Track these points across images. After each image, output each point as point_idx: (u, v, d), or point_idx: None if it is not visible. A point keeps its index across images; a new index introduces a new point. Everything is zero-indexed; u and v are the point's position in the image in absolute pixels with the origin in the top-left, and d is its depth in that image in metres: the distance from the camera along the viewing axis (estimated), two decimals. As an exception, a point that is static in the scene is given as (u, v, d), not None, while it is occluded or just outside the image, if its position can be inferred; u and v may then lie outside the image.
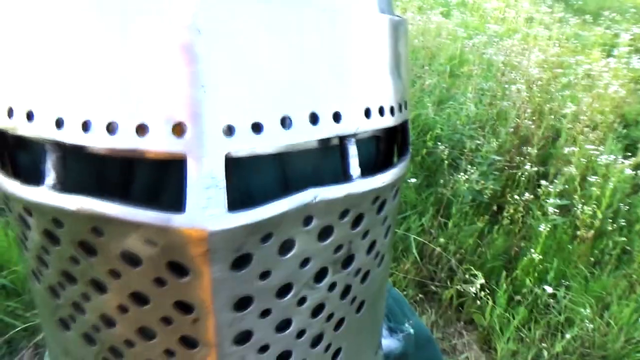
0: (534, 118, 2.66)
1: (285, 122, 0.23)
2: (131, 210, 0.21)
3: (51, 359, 0.34)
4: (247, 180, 0.25)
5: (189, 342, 0.26)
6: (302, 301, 0.27)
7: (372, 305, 0.34)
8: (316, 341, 0.30)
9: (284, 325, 0.28)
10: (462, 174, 2.10)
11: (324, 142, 0.26)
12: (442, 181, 2.23)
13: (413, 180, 2.25)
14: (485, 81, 2.91)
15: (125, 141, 0.21)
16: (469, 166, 2.17)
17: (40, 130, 0.22)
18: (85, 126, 0.21)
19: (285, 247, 0.25)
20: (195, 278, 0.23)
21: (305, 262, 0.26)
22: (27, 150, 0.27)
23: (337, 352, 0.32)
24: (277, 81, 0.23)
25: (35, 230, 0.25)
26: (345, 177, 0.26)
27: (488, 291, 1.96)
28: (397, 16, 0.29)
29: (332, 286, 0.29)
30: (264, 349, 0.27)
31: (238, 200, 0.25)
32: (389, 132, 0.32)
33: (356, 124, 0.26)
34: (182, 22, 0.21)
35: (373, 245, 0.30)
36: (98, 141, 0.21)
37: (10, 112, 0.23)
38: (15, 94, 0.23)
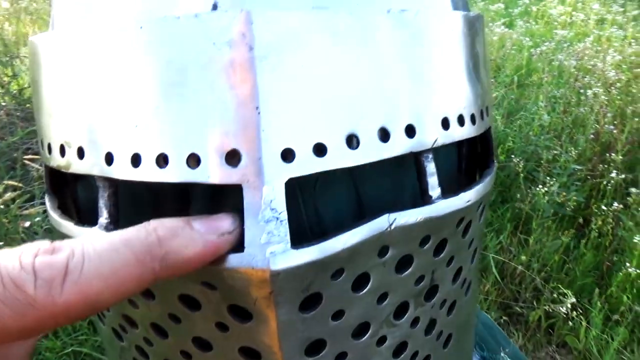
0: (615, 122, 2.47)
1: (351, 141, 0.20)
2: None
3: None
4: (317, 205, 0.23)
5: None
6: (381, 341, 0.24)
7: (460, 337, 0.30)
8: None
9: None
10: (540, 186, 1.97)
11: (399, 160, 0.23)
12: (518, 195, 2.11)
13: (487, 196, 2.15)
14: (557, 88, 2.76)
15: (176, 174, 0.19)
16: (547, 178, 2.04)
17: (91, 166, 0.21)
18: (135, 160, 0.20)
19: (360, 282, 0.22)
20: (260, 322, 0.20)
21: (383, 297, 0.23)
22: (85, 188, 0.26)
23: None
24: (339, 96, 0.20)
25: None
26: (423, 198, 0.23)
27: (580, 311, 1.81)
28: (473, 12, 0.26)
29: (414, 322, 0.25)
30: None
31: (307, 229, 0.22)
32: (471, 143, 0.28)
33: (433, 137, 0.23)
34: (229, 38, 0.19)
35: (459, 272, 0.27)
36: (148, 175, 0.20)
37: (62, 150, 0.22)
38: (68, 131, 0.22)
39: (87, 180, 0.25)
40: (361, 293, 0.22)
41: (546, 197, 1.98)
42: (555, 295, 1.86)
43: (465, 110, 0.24)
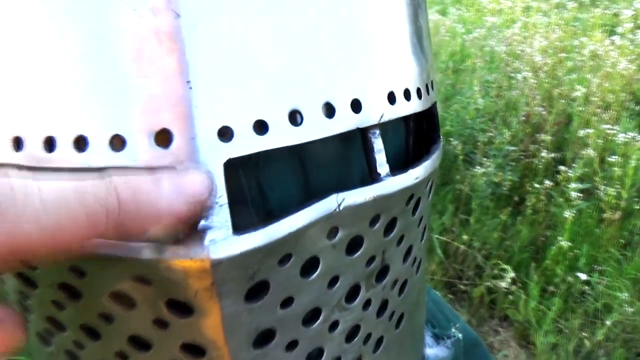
0: (544, 104, 2.59)
1: (295, 117, 0.19)
2: (112, 242, 0.17)
3: None
4: (262, 186, 0.21)
5: None
6: (334, 326, 0.23)
7: (411, 316, 0.29)
8: None
9: (315, 356, 0.23)
10: (477, 167, 2.04)
11: (346, 136, 0.22)
12: (458, 177, 2.18)
13: (428, 179, 2.20)
14: (489, 73, 2.86)
15: (97, 158, 0.17)
16: (484, 159, 2.11)
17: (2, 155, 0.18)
18: (50, 143, 0.17)
19: (309, 266, 0.21)
20: (203, 316, 0.19)
21: (333, 281, 0.22)
22: None
23: None
24: (280, 68, 0.19)
25: (9, 273, 0.21)
26: (372, 176, 0.22)
27: (520, 285, 1.89)
28: None
29: (366, 304, 0.24)
30: None
31: (252, 213, 0.21)
32: (418, 119, 0.27)
33: (379, 112, 0.21)
34: (152, 4, 0.17)
35: (409, 251, 0.26)
36: (65, 160, 0.17)
37: None
38: None
39: None
40: (311, 278, 0.21)
41: (484, 178, 2.06)
42: (495, 271, 1.94)
43: (412, 84, 0.23)
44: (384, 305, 0.26)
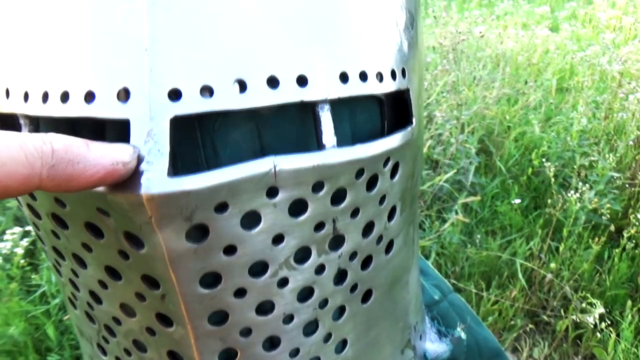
0: (659, 129, 2.36)
1: (240, 86, 0.22)
2: None
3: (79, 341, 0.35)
4: (215, 144, 0.24)
5: (166, 320, 0.25)
6: (283, 282, 0.26)
7: (385, 296, 0.31)
8: (311, 329, 0.28)
9: (267, 309, 0.26)
10: (572, 192, 1.91)
11: (299, 108, 0.25)
12: (550, 201, 2.05)
13: (518, 201, 2.10)
14: (598, 93, 2.67)
15: (76, 109, 0.22)
16: (580, 184, 1.97)
17: (14, 105, 0.23)
18: (45, 97, 0.22)
19: (251, 220, 0.23)
20: (151, 249, 0.22)
21: (278, 239, 0.24)
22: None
23: (343, 344, 0.30)
24: (228, 42, 0.22)
25: (24, 206, 0.26)
26: (318, 147, 0.25)
27: (610, 323, 1.74)
28: None
29: (320, 269, 0.27)
30: (246, 332, 0.26)
31: (203, 165, 0.24)
32: (395, 103, 0.29)
33: (327, 90, 0.24)
34: None
35: (370, 227, 0.28)
36: (55, 110, 0.22)
37: None
38: None
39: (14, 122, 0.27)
40: (252, 231, 0.24)
41: (578, 204, 1.92)
42: (584, 305, 1.80)
43: (371, 68, 0.25)
44: (342, 275, 0.28)
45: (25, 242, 1.59)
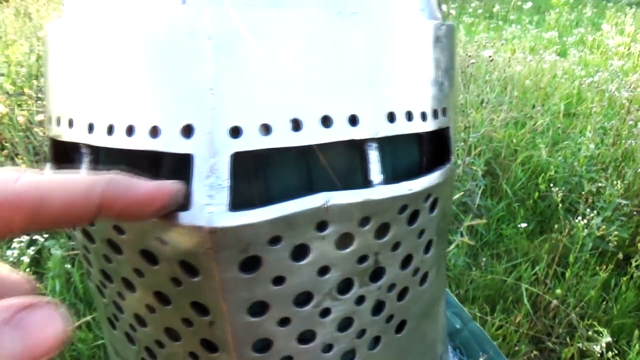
0: (668, 157, 2.37)
1: (295, 125, 0.23)
2: None
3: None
4: (267, 179, 0.25)
5: (210, 346, 0.26)
6: (325, 312, 0.26)
7: (417, 326, 0.32)
8: (347, 358, 0.28)
9: (308, 338, 0.27)
10: (579, 218, 1.91)
11: (349, 145, 0.26)
12: (556, 226, 2.05)
13: (524, 225, 2.10)
14: (606, 119, 2.68)
15: (141, 142, 0.23)
16: (588, 210, 1.97)
17: (77, 135, 0.25)
18: (110, 130, 0.23)
19: (300, 252, 0.24)
20: (206, 278, 0.23)
21: (324, 270, 0.25)
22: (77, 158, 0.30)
23: None
24: (286, 84, 0.23)
25: (77, 230, 0.27)
26: (366, 183, 0.26)
27: (617, 352, 1.73)
28: (439, 22, 0.28)
29: (360, 300, 0.27)
30: (287, 359, 0.27)
31: (255, 199, 0.25)
32: (433, 141, 0.30)
33: (375, 129, 0.25)
34: (191, 29, 0.22)
35: (409, 260, 0.29)
36: (120, 143, 0.23)
37: (58, 122, 0.26)
38: (62, 105, 0.26)
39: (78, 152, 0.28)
40: (301, 263, 0.24)
41: (586, 230, 1.92)
42: (590, 333, 1.79)
43: (416, 108, 0.26)
44: (380, 306, 0.29)
45: (31, 251, 1.59)
